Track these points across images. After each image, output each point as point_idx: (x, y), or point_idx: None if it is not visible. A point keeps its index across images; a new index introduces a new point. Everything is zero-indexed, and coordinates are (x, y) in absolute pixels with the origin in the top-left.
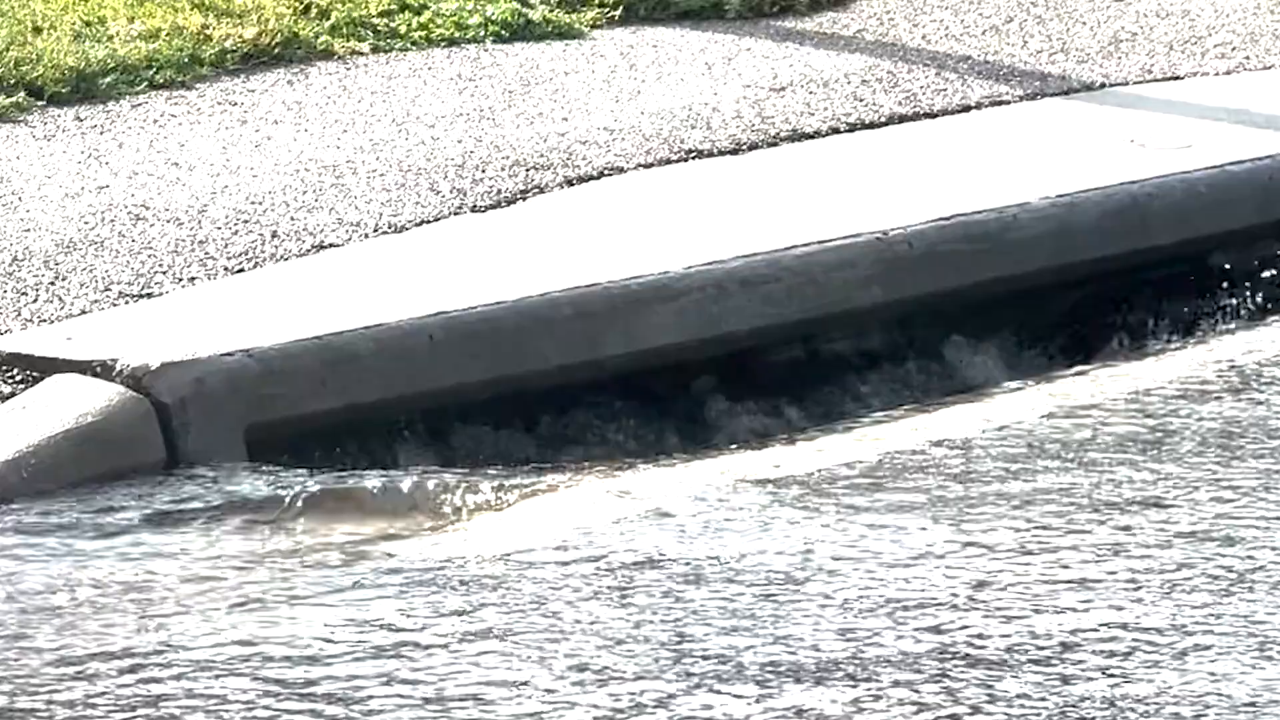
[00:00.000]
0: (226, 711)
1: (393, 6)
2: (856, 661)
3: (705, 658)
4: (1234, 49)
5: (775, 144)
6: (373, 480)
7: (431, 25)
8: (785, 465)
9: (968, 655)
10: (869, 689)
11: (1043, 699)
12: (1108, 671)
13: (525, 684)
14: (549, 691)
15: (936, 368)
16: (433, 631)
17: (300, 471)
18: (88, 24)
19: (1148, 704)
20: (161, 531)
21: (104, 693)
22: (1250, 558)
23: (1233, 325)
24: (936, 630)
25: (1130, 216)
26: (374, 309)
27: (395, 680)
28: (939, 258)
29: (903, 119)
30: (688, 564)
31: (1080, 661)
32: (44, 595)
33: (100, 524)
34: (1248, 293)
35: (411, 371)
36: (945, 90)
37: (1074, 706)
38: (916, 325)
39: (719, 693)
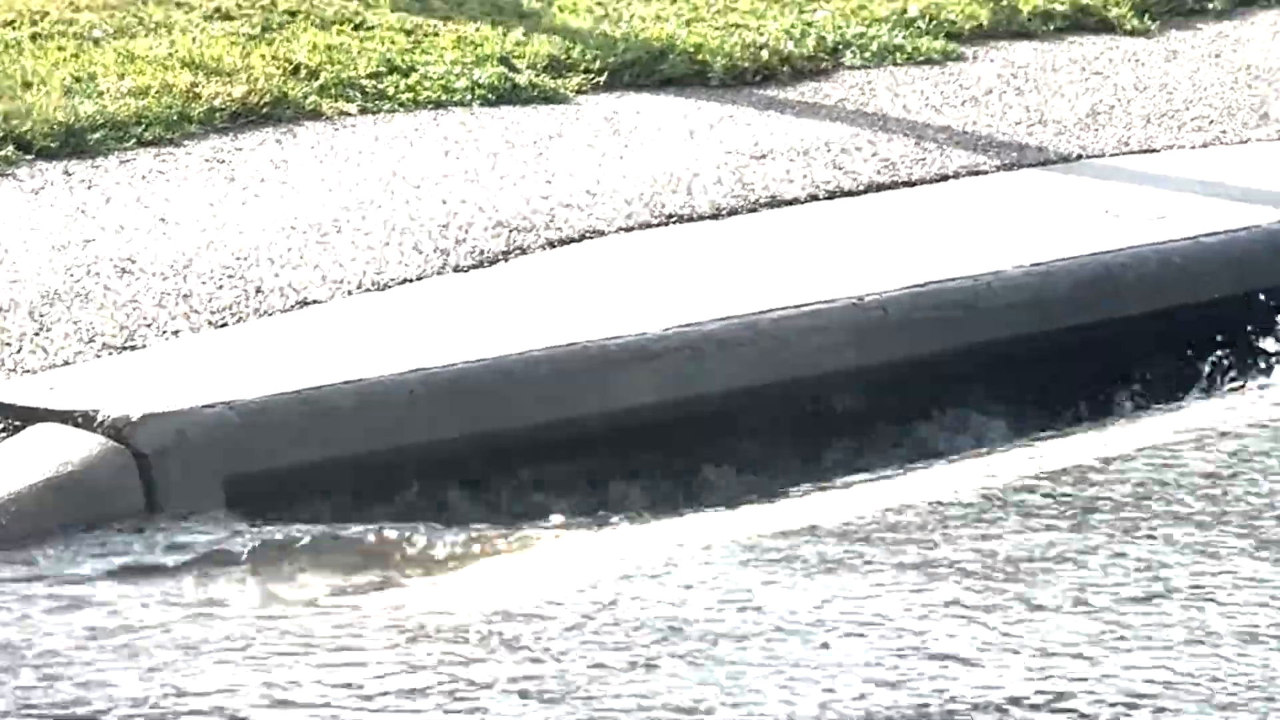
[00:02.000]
0: None
1: (381, 69)
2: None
3: (678, 709)
4: (1210, 122)
5: (755, 210)
6: (350, 532)
7: (419, 88)
8: (758, 525)
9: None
10: None
11: None
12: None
13: None
14: None
15: (907, 432)
16: (405, 681)
17: (278, 523)
18: (78, 80)
19: None
20: (131, 582)
21: None
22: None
23: (1204, 392)
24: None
25: (1104, 286)
26: (355, 364)
27: None
28: (914, 324)
29: (881, 187)
30: (659, 618)
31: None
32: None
33: (72, 573)
34: (1219, 362)
35: (391, 425)
36: (924, 160)
37: None
38: (890, 390)
39: None
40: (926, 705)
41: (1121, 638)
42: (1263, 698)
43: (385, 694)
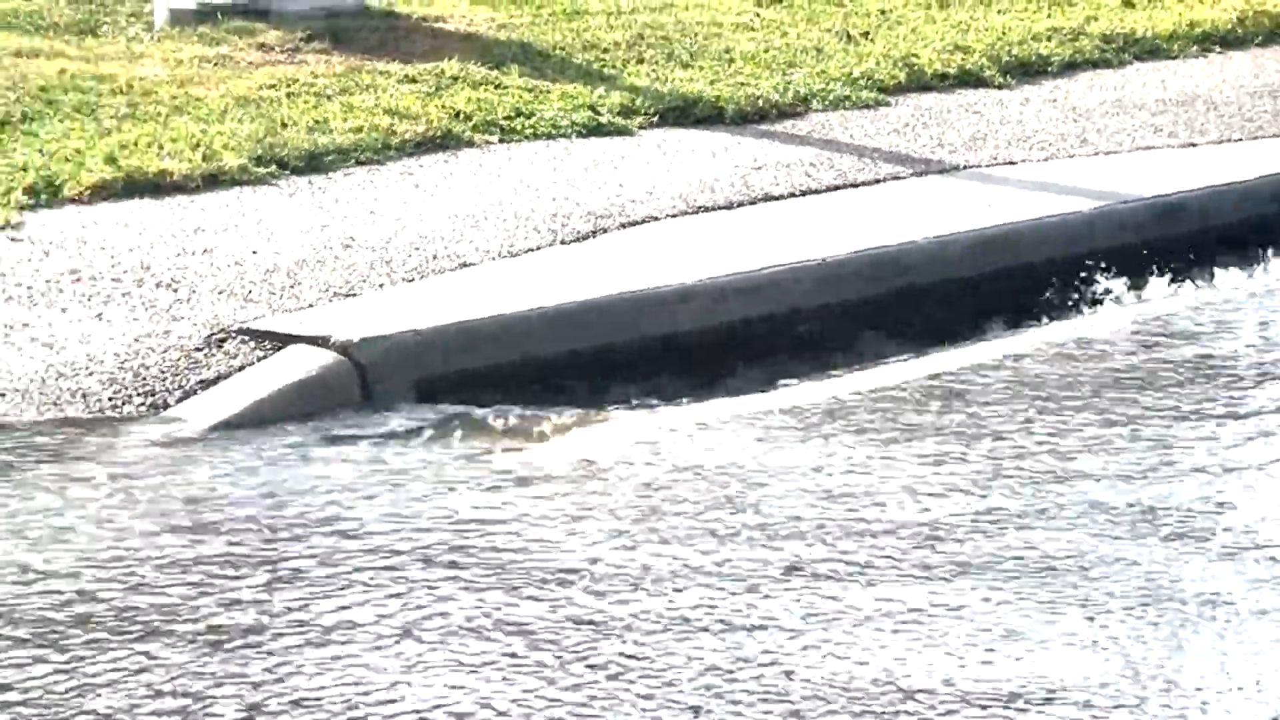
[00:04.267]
0: (393, 561)
1: (512, 113)
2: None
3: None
4: (1050, 145)
5: (754, 203)
6: (496, 410)
7: (537, 125)
8: (760, 405)
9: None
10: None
11: None
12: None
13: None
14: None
15: (850, 347)
16: (545, 507)
17: (448, 407)
18: (317, 123)
19: None
20: (351, 444)
21: (314, 551)
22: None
23: (1051, 318)
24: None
25: (983, 249)
26: (496, 303)
27: (521, 539)
28: (858, 276)
29: (837, 188)
30: (697, 464)
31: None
32: (290, 483)
33: (315, 439)
34: (1055, 296)
35: (519, 344)
36: (864, 169)
37: None
38: (840, 321)
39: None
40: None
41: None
42: None
43: (512, 504)
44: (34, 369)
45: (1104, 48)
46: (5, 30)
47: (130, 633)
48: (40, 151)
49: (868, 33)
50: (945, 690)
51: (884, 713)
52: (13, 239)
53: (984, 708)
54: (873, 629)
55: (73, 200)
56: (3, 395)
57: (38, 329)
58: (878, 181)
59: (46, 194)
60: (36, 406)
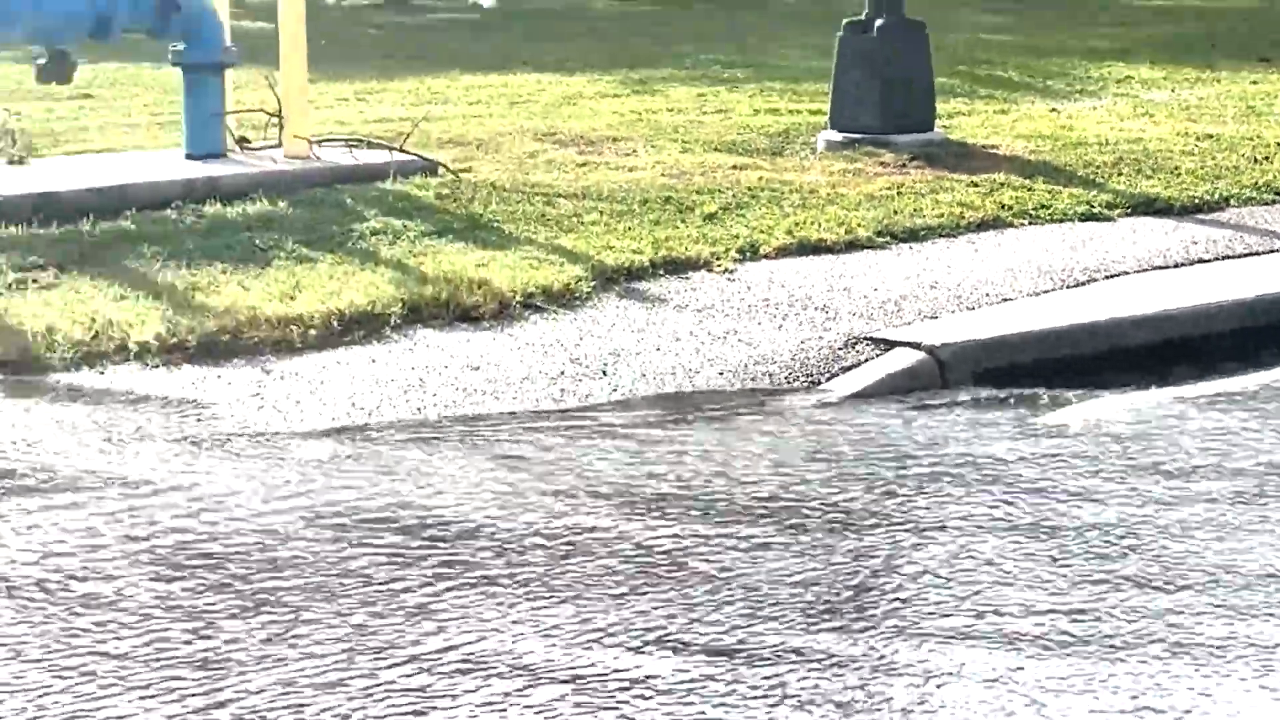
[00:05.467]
0: (956, 476)
1: (1037, 205)
2: None
3: None
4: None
5: (1191, 264)
6: (1025, 392)
7: (1052, 214)
8: (1199, 390)
9: None
10: None
11: None
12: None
13: None
14: None
15: (1259, 358)
16: (1064, 451)
17: (997, 390)
18: (915, 210)
19: None
20: (926, 411)
21: (919, 469)
22: None
23: None
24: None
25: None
26: (1026, 323)
27: (1042, 470)
28: (1261, 310)
29: (1247, 255)
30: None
31: None
32: (895, 431)
33: (912, 406)
34: None
35: (1040, 349)
36: (1265, 244)
37: None
38: (1251, 340)
39: None
40: None
41: None
42: None
43: (1035, 449)
44: (740, 358)
45: None
46: (724, 153)
47: (816, 515)
48: (746, 226)
49: (1269, 157)
50: None
51: None
52: (729, 279)
53: None
54: None
55: (765, 256)
56: (722, 374)
57: (743, 334)
58: (1273, 251)
59: (749, 252)
60: (741, 381)
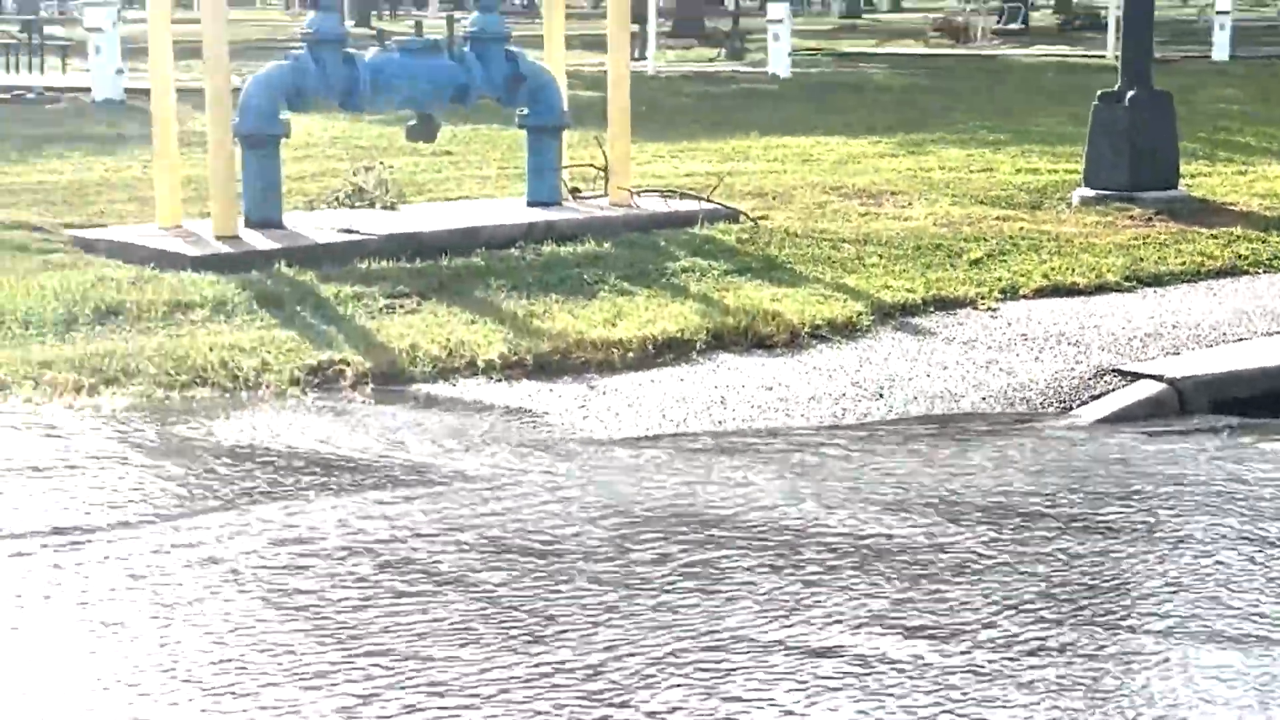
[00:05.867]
0: (1174, 492)
1: (1272, 256)
2: None
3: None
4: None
5: None
6: (1251, 420)
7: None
8: None
9: None
10: None
11: None
12: None
13: None
14: None
15: None
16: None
17: (1230, 418)
18: (1159, 259)
19: None
20: (1167, 441)
21: (1157, 489)
22: None
23: None
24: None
25: None
26: (1256, 360)
27: (1252, 483)
28: None
29: None
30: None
31: None
32: (1137, 453)
33: (1155, 431)
34: None
35: (1267, 384)
36: None
37: None
38: None
39: None
40: None
41: None
42: None
43: (1253, 468)
44: (1001, 384)
45: None
46: (989, 206)
47: (1066, 525)
48: (1008, 270)
49: None
50: None
51: None
52: (992, 316)
53: None
54: None
55: (1024, 297)
56: (985, 398)
57: (1003, 364)
58: None
59: (1010, 293)
60: (1002, 405)
